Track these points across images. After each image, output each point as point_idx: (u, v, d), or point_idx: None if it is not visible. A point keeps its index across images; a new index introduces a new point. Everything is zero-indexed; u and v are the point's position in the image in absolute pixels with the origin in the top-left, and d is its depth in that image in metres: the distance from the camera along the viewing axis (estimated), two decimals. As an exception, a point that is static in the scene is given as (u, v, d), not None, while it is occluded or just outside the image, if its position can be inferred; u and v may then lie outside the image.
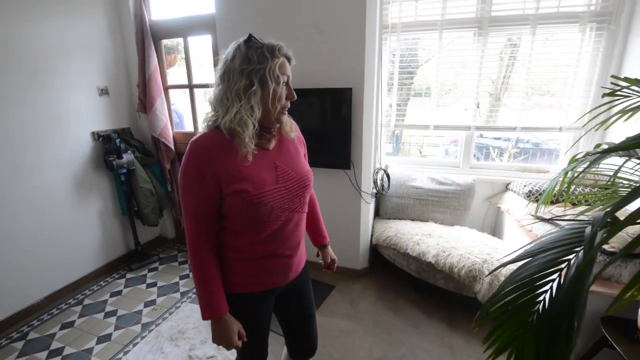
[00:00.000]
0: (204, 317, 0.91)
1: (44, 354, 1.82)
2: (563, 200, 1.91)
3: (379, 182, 2.43)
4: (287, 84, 0.91)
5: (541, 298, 0.91)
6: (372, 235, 2.47)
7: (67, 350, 1.84)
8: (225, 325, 0.92)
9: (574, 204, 1.89)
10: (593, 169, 1.28)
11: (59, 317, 2.11)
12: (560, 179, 1.31)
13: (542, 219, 1.85)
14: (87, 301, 2.27)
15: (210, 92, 0.91)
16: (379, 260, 2.54)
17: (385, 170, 2.44)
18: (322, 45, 2.09)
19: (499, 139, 3.88)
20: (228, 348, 0.93)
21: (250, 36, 0.86)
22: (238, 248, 0.94)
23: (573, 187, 1.97)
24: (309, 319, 1.18)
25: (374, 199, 2.44)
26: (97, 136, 2.47)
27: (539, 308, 0.90)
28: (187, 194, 0.87)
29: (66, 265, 2.33)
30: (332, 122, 2.20)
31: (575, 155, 1.28)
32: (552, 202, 2.03)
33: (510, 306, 0.93)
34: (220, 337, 0.92)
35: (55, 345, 1.88)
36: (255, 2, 2.15)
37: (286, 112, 0.95)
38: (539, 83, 2.34)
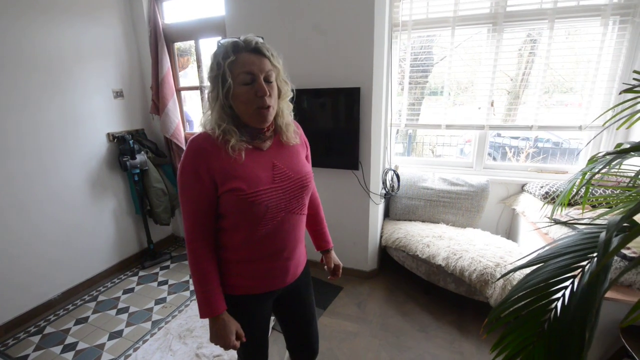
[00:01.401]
0: (201, 316, 0.91)
1: (59, 348, 1.88)
2: (581, 202, 1.82)
3: (388, 183, 2.39)
4: (253, 79, 0.83)
5: (553, 306, 0.86)
6: (381, 236, 2.43)
7: (81, 345, 1.90)
8: (223, 325, 0.91)
9: (594, 206, 1.80)
10: (614, 170, 1.21)
11: (74, 313, 2.18)
12: (578, 180, 1.25)
13: (558, 222, 1.77)
14: (101, 297, 2.33)
15: None
16: (388, 262, 2.49)
17: (394, 171, 2.40)
18: (329, 44, 2.07)
19: (516, 138, 3.76)
20: (225, 348, 0.93)
21: (218, 42, 0.86)
22: (234, 248, 0.94)
23: (593, 188, 1.88)
24: (308, 323, 1.16)
25: (383, 200, 2.40)
26: (112, 137, 2.54)
27: (550, 316, 0.86)
28: (184, 191, 0.88)
29: (82, 262, 2.41)
30: (340, 122, 2.18)
31: (595, 155, 1.22)
32: (570, 204, 1.94)
33: (520, 313, 0.89)
34: (218, 336, 0.92)
35: (69, 340, 1.95)
36: (264, 3, 2.16)
37: (267, 111, 0.86)
38: (559, 80, 2.25)
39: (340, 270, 1.24)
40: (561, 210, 1.81)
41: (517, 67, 2.27)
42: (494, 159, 3.79)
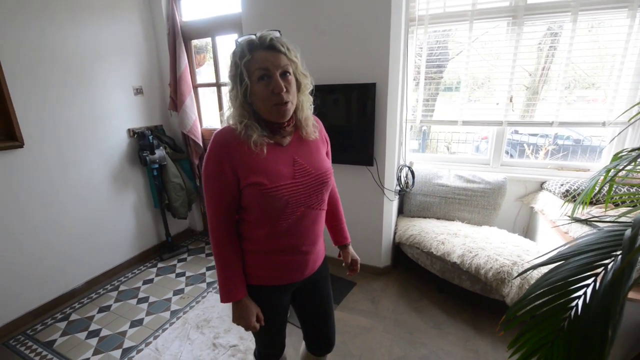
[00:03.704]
0: (222, 300, 0.95)
1: (84, 334, 1.98)
2: (604, 201, 1.77)
3: (402, 180, 2.38)
4: (269, 76, 0.84)
5: (574, 304, 0.85)
6: (395, 233, 2.43)
7: (104, 332, 1.98)
8: (245, 307, 0.96)
9: (616, 205, 1.75)
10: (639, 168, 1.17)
11: (97, 301, 2.28)
12: (601, 177, 1.22)
13: (579, 220, 1.73)
14: (122, 287, 2.43)
15: None
16: (402, 258, 2.49)
17: (409, 167, 2.39)
18: (345, 40, 2.07)
19: (535, 135, 3.66)
20: (247, 328, 0.97)
21: (235, 41, 0.88)
22: (254, 240, 0.97)
23: (616, 186, 1.82)
24: (326, 315, 1.18)
25: (397, 197, 2.39)
26: (133, 133, 2.61)
27: (571, 314, 0.85)
28: (208, 183, 0.91)
29: (104, 253, 2.51)
30: (355, 117, 2.18)
31: (619, 152, 1.18)
32: (592, 203, 1.89)
33: (539, 311, 0.89)
34: (240, 317, 0.96)
35: (93, 326, 2.04)
36: (280, -1, 2.17)
37: (285, 107, 0.87)
38: (582, 75, 2.18)
39: (358, 266, 1.25)
40: (582, 209, 1.77)
41: (536, 61, 2.22)
42: (511, 156, 3.70)
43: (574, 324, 0.82)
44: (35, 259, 2.10)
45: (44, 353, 1.84)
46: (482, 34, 2.22)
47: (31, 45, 1.98)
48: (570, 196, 1.93)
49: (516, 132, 3.87)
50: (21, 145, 1.95)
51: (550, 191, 2.11)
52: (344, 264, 1.24)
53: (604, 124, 2.02)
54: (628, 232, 0.77)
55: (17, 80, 1.91)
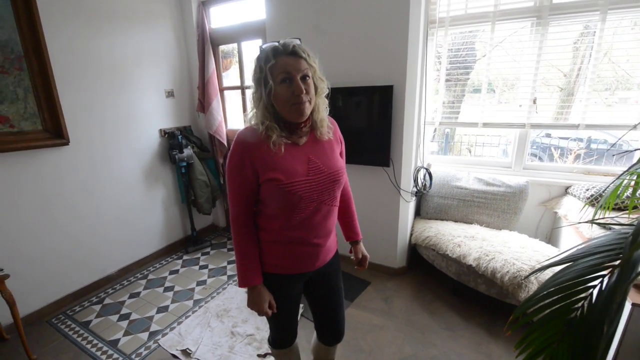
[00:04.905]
0: (240, 285, 1.04)
1: (116, 317, 2.15)
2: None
3: (420, 181, 2.38)
4: (290, 79, 0.91)
5: (580, 304, 0.85)
6: (411, 234, 2.43)
7: (134, 316, 2.14)
8: (259, 293, 1.04)
9: (646, 211, 1.66)
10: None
11: (128, 288, 2.46)
12: (625, 181, 1.19)
13: (595, 222, 1.66)
14: (150, 276, 2.60)
15: None
16: (418, 260, 2.48)
17: (427, 169, 2.39)
18: (364, 43, 2.12)
19: (566, 138, 3.50)
20: (259, 313, 1.05)
21: (260, 47, 0.96)
22: (270, 230, 1.04)
23: (647, 192, 1.74)
24: (336, 307, 1.23)
25: (414, 198, 2.39)
26: (164, 133, 2.80)
27: (577, 314, 0.85)
28: (230, 177, 1.00)
29: (135, 244, 2.70)
30: (372, 119, 2.21)
31: (643, 155, 1.15)
32: (620, 209, 1.81)
33: (545, 311, 0.89)
34: (254, 303, 1.05)
35: (124, 310, 2.21)
36: (301, 6, 2.25)
37: (303, 105, 0.93)
38: (622, 76, 2.07)
39: (367, 262, 1.30)
40: (605, 213, 1.71)
41: (571, 61, 2.13)
42: (540, 159, 3.55)
43: (579, 324, 0.83)
44: (75, 248, 2.30)
45: (81, 332, 2.02)
46: (509, 35, 2.18)
47: (77, 52, 2.18)
48: (592, 199, 1.86)
49: (548, 135, 3.71)
50: (67, 143, 2.16)
51: (575, 196, 2.03)
52: (353, 257, 1.29)
53: (635, 127, 1.93)
54: (632, 231, 0.76)
55: (64, 84, 2.11)
